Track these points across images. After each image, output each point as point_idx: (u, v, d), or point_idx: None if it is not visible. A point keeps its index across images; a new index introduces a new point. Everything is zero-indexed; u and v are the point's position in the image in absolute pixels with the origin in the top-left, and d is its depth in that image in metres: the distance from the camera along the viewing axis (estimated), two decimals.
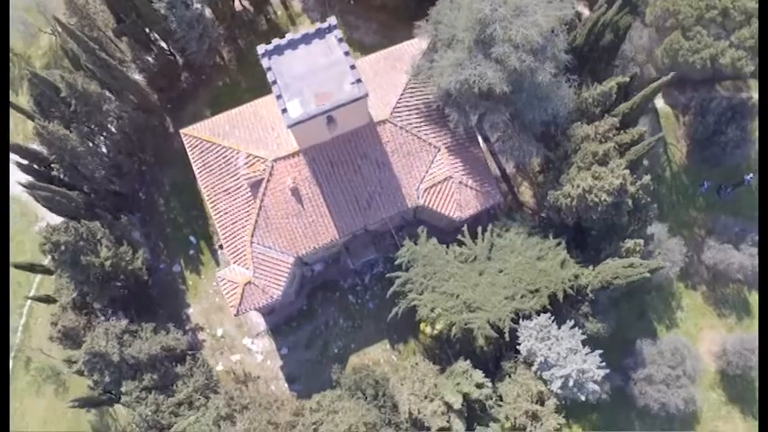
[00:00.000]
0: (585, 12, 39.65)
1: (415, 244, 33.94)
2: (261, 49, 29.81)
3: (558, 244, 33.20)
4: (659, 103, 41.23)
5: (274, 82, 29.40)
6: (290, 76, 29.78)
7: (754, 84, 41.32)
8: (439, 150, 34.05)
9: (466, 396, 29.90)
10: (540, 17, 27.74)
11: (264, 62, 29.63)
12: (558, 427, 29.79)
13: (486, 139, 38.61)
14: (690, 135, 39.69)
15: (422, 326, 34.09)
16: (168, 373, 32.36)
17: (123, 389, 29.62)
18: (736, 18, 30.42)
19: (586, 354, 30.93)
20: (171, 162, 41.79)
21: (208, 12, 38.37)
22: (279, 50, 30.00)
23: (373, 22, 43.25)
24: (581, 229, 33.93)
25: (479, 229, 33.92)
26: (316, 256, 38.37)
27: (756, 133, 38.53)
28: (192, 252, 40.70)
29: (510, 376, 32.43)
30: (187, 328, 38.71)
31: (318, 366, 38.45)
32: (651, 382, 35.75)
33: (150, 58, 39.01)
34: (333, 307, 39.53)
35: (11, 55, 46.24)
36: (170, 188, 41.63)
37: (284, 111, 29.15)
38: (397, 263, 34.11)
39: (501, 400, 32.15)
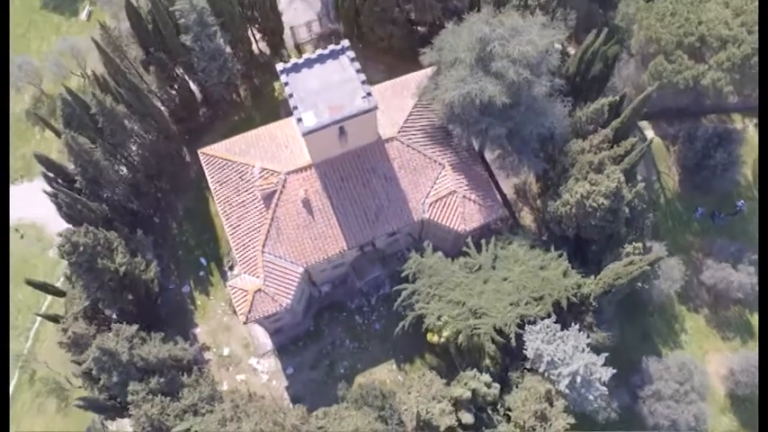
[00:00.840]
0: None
1: (422, 257, 35.00)
2: (279, 66, 32.52)
3: (560, 255, 34.29)
4: (650, 134, 43.78)
5: (291, 95, 31.81)
6: (305, 90, 32.25)
7: (737, 117, 44.11)
8: (443, 167, 35.95)
9: (474, 392, 29.75)
10: (535, 36, 30.67)
11: (282, 77, 32.23)
12: (568, 426, 29.39)
13: (485, 163, 40.56)
14: (680, 162, 41.83)
15: (429, 336, 34.37)
16: (175, 380, 32.27)
17: (130, 388, 29.50)
18: (712, 44, 33.49)
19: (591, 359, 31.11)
20: (186, 189, 43.76)
21: (228, 49, 41.63)
22: (296, 68, 32.70)
23: (380, 64, 46.66)
24: (582, 243, 35.12)
25: (483, 241, 35.12)
26: (324, 276, 39.26)
27: (744, 158, 40.72)
28: (201, 273, 41.57)
29: (517, 386, 32.32)
30: (194, 347, 38.73)
31: (324, 386, 38.17)
32: (660, 398, 35.48)
33: (173, 91, 41.95)
34: (339, 327, 39.85)
35: (41, 95, 49.58)
36: (183, 213, 43.23)
37: (299, 120, 31.33)
38: (403, 275, 35.02)
39: (509, 410, 31.84)
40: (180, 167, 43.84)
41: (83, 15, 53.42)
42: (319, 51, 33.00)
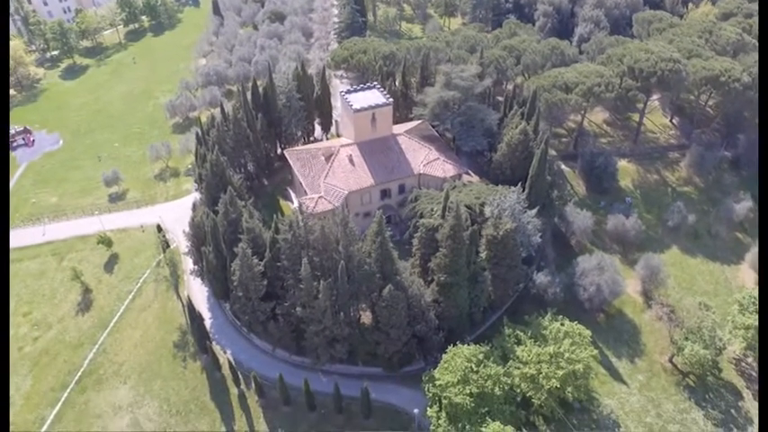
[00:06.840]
0: None
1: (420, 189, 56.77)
2: (342, 89, 60.42)
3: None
4: (563, 166, 69.01)
5: (347, 99, 58.80)
6: (355, 98, 59.42)
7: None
8: (431, 150, 60.51)
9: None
10: (473, 69, 59.69)
11: (343, 94, 59.81)
12: (511, 227, 46.82)
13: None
14: (581, 176, 66.21)
15: (424, 222, 53.18)
16: None
17: (245, 216, 47.77)
18: (571, 86, 62.43)
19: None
20: (263, 195, 66.44)
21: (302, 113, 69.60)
22: (350, 92, 60.63)
23: None
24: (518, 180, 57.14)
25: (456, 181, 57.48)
26: (356, 222, 59.19)
27: (620, 171, 65.69)
28: None
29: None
30: None
31: None
32: (587, 273, 52.37)
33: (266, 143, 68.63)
34: None
35: (166, 167, 75.65)
36: (261, 205, 64.91)
37: (351, 105, 57.63)
38: (409, 198, 56.15)
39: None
40: (260, 187, 67.38)
41: None
42: (362, 85, 61.54)
